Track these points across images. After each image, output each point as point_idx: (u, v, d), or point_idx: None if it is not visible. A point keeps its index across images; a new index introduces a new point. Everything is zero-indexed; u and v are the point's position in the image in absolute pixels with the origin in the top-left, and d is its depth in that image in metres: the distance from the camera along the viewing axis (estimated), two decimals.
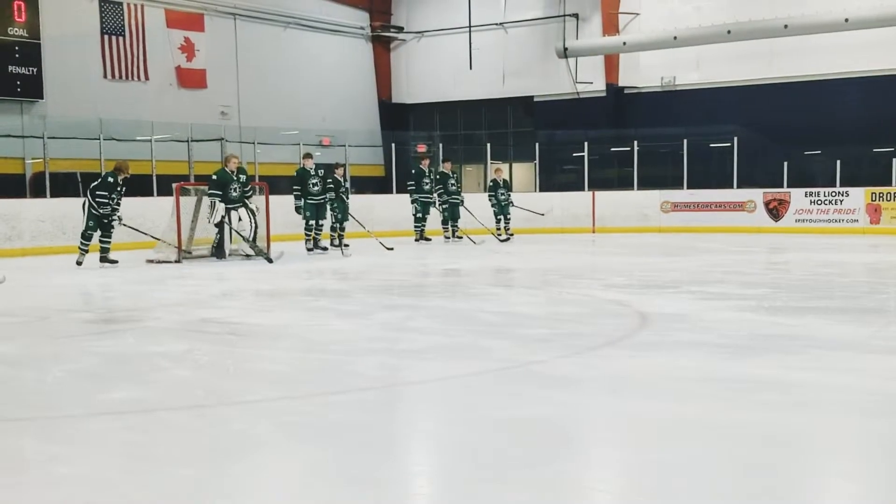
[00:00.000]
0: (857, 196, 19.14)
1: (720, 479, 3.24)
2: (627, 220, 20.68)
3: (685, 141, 20.98)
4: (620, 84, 24.42)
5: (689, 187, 20.93)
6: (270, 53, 24.30)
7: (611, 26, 23.74)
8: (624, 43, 23.21)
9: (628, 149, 21.57)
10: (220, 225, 13.06)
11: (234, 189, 12.97)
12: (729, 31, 21.09)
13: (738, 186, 20.56)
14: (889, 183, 19.05)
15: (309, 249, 14.86)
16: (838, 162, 19.49)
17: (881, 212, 18.89)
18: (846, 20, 19.67)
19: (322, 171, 15.10)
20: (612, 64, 24.35)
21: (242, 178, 13.17)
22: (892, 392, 4.54)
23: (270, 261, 12.65)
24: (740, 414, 4.08)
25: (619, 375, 5.05)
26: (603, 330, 6.72)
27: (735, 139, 20.59)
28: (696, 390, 4.64)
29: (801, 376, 4.87)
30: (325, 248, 14.97)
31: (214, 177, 13.04)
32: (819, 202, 19.55)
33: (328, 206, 14.99)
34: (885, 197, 18.88)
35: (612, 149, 22.87)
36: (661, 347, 5.82)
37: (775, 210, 19.96)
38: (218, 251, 13.17)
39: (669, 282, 10.09)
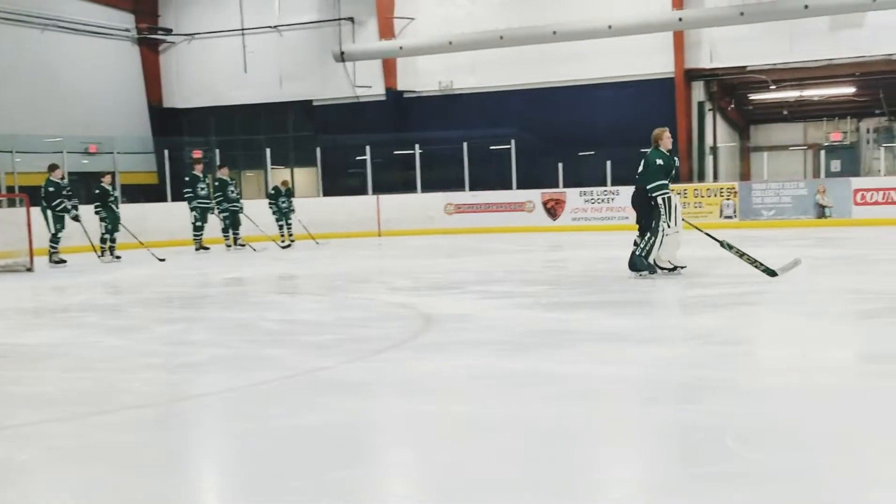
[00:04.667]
0: (627, 194, 19.99)
1: (505, 472, 3.24)
2: (413, 223, 20.82)
3: (465, 144, 21.35)
4: (399, 88, 24.62)
5: (471, 189, 21.36)
6: (27, 57, 22.74)
7: (387, 30, 23.86)
8: (400, 47, 23.39)
9: (411, 152, 21.77)
10: (657, 229, 9.33)
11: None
12: (501, 37, 21.69)
13: (518, 187, 21.17)
14: None
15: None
16: (608, 162, 20.43)
17: None
18: (609, 27, 20.69)
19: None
20: (390, 68, 24.50)
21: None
22: (659, 379, 4.70)
23: (775, 274, 8.89)
24: (522, 409, 4.12)
25: (405, 377, 5.02)
26: (388, 333, 6.67)
27: (513, 141, 21.19)
28: (479, 388, 4.65)
29: (577, 369, 4.99)
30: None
31: (660, 161, 9.39)
32: (593, 201, 20.43)
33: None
34: None
35: (395, 152, 23.00)
36: (445, 348, 5.84)
37: (553, 209, 20.68)
38: (647, 263, 9.41)
39: (454, 283, 10.17)
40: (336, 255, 15.51)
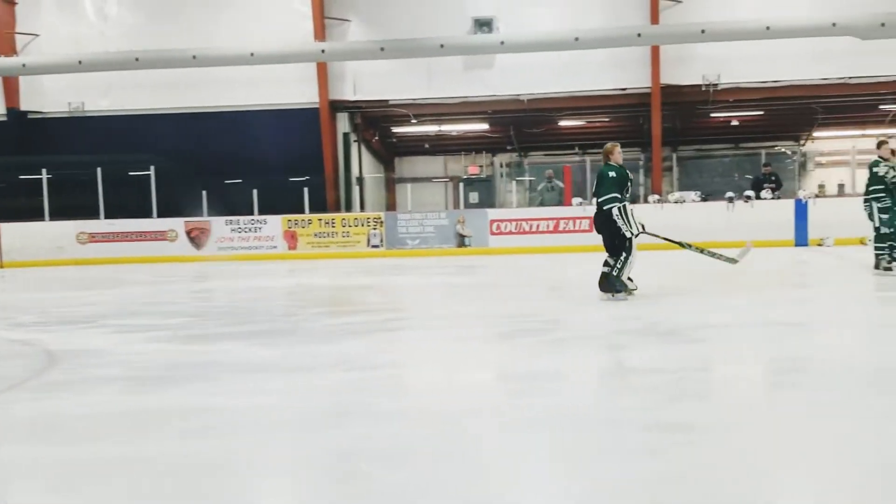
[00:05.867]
0: (275, 223, 20.00)
1: None
2: (40, 253, 19.27)
3: (99, 169, 20.09)
4: (23, 108, 22.74)
5: (106, 217, 20.13)
6: None
7: (7, 46, 21.87)
8: (23, 65, 21.41)
9: (38, 177, 20.13)
10: (630, 247, 8.93)
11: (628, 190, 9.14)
12: (137, 59, 20.61)
13: (159, 215, 20.29)
14: (303, 210, 20.17)
15: None
16: (255, 191, 20.18)
17: (298, 238, 19.93)
18: (252, 54, 20.35)
19: None
20: (11, 86, 22.56)
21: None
22: (303, 407, 4.56)
23: (735, 261, 9.53)
24: (157, 446, 3.88)
25: (23, 420, 4.53)
26: (5, 373, 6.02)
27: (153, 167, 20.28)
28: (110, 426, 4.29)
29: (218, 401, 4.74)
30: None
31: (612, 174, 8.96)
32: (240, 230, 20.05)
33: None
34: (300, 224, 19.96)
35: (21, 176, 21.10)
36: (73, 386, 5.38)
37: (197, 238, 20.01)
38: (622, 283, 8.97)
39: (86, 316, 9.39)
40: None
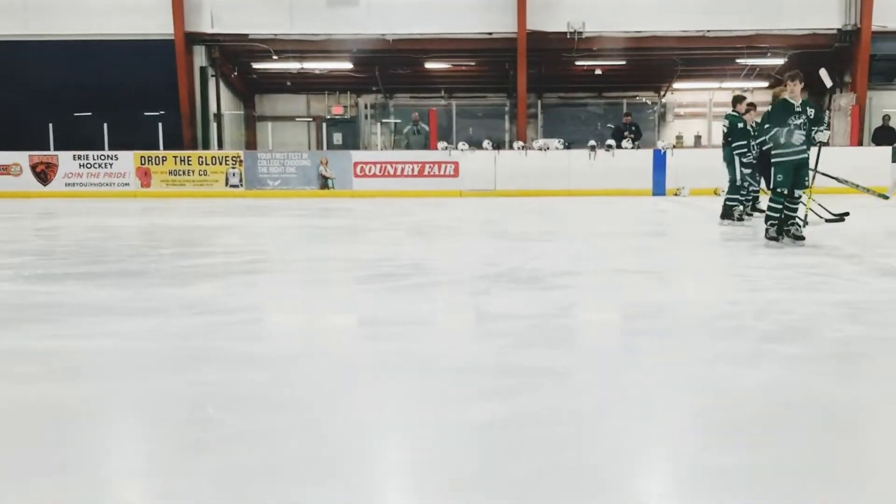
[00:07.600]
0: (127, 159, 19.22)
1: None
2: None
3: None
4: None
5: None
6: None
7: None
8: None
9: None
10: None
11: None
12: None
13: (3, 149, 19.21)
14: (157, 147, 19.42)
15: None
16: (105, 125, 19.30)
17: (151, 175, 19.21)
18: None
19: None
20: None
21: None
22: (148, 351, 4.31)
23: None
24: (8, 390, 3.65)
25: None
26: None
27: None
28: None
29: (62, 344, 4.46)
30: None
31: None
32: (89, 166, 19.17)
33: None
34: (154, 161, 19.23)
35: None
36: None
37: (43, 174, 19.05)
38: None
39: None
40: None
